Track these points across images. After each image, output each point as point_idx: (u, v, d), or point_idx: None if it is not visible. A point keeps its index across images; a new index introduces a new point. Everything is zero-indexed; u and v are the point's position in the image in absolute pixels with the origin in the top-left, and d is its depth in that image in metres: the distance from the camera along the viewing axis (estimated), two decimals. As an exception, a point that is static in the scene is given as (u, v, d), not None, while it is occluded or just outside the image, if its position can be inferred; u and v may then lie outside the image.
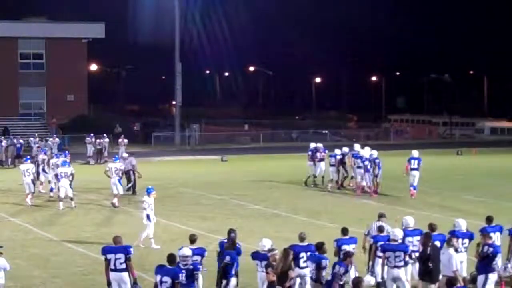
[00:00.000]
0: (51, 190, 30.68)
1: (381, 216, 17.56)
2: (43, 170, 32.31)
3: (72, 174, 28.74)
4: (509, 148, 56.93)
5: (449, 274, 15.13)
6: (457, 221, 17.16)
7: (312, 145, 34.95)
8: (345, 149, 33.90)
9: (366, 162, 31.60)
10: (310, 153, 34.46)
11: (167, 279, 13.80)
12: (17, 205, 29.46)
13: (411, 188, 31.25)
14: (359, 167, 32.10)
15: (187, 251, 14.54)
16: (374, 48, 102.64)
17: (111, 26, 67.76)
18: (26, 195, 29.69)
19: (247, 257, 19.49)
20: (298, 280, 15.54)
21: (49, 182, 31.42)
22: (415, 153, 31.89)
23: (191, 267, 14.32)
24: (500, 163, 46.09)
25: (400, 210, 27.08)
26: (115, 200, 28.74)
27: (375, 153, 32.11)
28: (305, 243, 15.62)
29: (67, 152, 34.94)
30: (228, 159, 47.58)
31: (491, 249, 15.22)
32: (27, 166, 30.24)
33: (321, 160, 34.17)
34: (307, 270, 15.39)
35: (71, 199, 28.47)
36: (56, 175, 29.41)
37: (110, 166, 29.32)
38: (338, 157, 33.39)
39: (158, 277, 13.96)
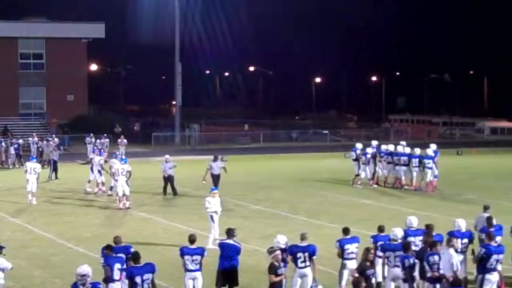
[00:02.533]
0: (111, 188, 30.60)
1: (486, 208, 18.23)
2: (99, 171, 32.07)
3: (128, 172, 28.60)
4: (509, 148, 56.92)
5: (449, 274, 15.13)
6: (457, 221, 17.15)
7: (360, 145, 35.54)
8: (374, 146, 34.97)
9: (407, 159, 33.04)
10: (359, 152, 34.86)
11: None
12: (17, 205, 29.47)
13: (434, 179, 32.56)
14: (397, 164, 33.26)
15: (85, 268, 12.46)
16: (374, 48, 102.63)
17: (111, 26, 67.79)
18: (27, 193, 29.66)
19: (247, 257, 19.50)
20: (299, 280, 15.53)
21: (102, 183, 31.77)
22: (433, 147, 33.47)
23: (89, 286, 12.30)
24: (500, 163, 46.08)
25: (400, 210, 27.10)
26: (127, 204, 28.28)
27: (417, 150, 33.41)
28: (304, 243, 15.60)
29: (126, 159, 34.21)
30: (228, 159, 47.57)
31: (483, 249, 15.20)
32: (34, 165, 30.23)
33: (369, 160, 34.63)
34: (308, 270, 15.38)
35: (126, 198, 28.31)
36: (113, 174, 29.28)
37: (117, 168, 28.86)
38: (368, 155, 34.08)
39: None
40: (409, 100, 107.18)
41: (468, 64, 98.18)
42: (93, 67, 78.85)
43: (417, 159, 32.97)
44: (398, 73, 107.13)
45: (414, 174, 33.06)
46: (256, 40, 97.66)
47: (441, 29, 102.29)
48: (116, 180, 28.71)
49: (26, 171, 29.93)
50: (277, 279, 14.40)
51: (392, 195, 31.87)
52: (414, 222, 17.16)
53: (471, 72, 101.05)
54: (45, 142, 45.86)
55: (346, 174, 39.29)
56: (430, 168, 32.58)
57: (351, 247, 15.98)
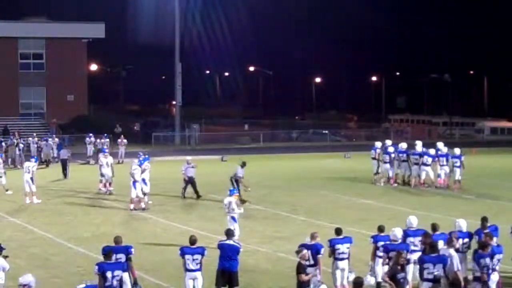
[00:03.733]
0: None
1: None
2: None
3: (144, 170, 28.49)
4: (509, 148, 56.89)
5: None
6: (458, 221, 17.17)
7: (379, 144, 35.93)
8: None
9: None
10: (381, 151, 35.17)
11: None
12: (17, 205, 29.47)
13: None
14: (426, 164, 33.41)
15: (28, 278, 12.40)
16: (374, 48, 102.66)
17: (111, 26, 67.76)
18: (25, 193, 29.68)
19: (247, 257, 19.51)
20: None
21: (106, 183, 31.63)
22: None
23: None
24: (500, 163, 46.07)
25: (400, 210, 27.10)
26: (143, 204, 27.93)
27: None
28: (312, 242, 15.81)
29: (142, 153, 33.06)
30: (228, 159, 47.54)
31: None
32: (29, 164, 30.39)
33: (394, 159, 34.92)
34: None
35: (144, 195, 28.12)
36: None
37: (138, 167, 28.26)
38: (392, 155, 34.38)
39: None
40: (409, 100, 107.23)
41: (468, 64, 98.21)
42: (93, 67, 78.83)
43: (444, 158, 33.45)
44: (398, 73, 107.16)
45: (443, 172, 33.46)
46: (256, 40, 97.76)
47: (441, 29, 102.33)
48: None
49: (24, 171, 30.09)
50: (307, 278, 14.52)
51: (392, 195, 31.86)
52: (414, 222, 17.19)
53: (471, 72, 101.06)
54: (44, 142, 45.91)
55: (346, 174, 39.37)
56: (459, 167, 33.08)
57: (342, 247, 16.09)
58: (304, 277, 14.48)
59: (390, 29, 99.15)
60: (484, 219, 17.59)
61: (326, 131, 67.29)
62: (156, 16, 72.80)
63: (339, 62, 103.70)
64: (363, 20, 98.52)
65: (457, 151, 33.57)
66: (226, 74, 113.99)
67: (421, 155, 33.68)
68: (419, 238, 16.44)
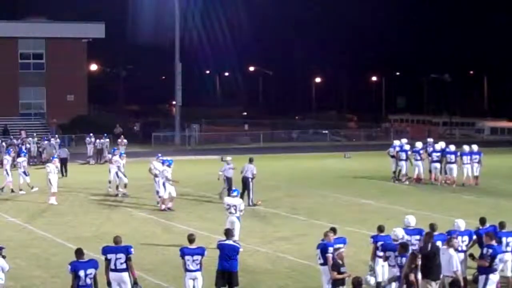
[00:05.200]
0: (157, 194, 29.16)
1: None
2: (116, 173, 31.68)
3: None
4: (509, 148, 56.90)
5: (449, 274, 15.14)
6: (456, 221, 17.24)
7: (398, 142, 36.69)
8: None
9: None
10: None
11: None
12: (17, 205, 29.47)
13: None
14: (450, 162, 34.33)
15: None
16: (374, 48, 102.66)
17: (111, 26, 67.75)
18: (18, 186, 30.47)
19: (247, 257, 19.51)
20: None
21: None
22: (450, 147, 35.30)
23: None
24: (500, 163, 46.05)
25: (400, 210, 27.09)
26: (170, 204, 27.80)
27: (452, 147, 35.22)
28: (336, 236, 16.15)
29: (161, 156, 31.63)
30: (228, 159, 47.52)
31: (490, 250, 15.21)
32: (21, 159, 31.79)
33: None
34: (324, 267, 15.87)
35: (170, 199, 27.86)
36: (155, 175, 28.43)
37: (167, 168, 27.93)
38: (422, 151, 35.35)
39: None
40: (409, 100, 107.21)
41: (468, 64, 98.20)
42: (93, 67, 78.83)
43: (468, 157, 34.51)
44: (398, 73, 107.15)
45: (465, 170, 34.42)
46: (256, 40, 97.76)
47: (441, 29, 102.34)
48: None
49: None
50: (340, 276, 14.54)
51: (392, 195, 31.86)
52: (412, 221, 17.23)
53: (471, 72, 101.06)
54: (46, 142, 45.90)
55: (346, 174, 39.38)
56: (478, 162, 34.63)
57: (335, 246, 16.09)
58: (336, 275, 14.50)
59: (390, 29, 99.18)
60: (482, 219, 17.60)
61: (326, 131, 67.27)
62: (156, 16, 72.80)
63: (339, 62, 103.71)
64: (363, 20, 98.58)
65: (475, 147, 35.17)
66: (226, 74, 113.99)
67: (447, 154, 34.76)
68: (416, 237, 16.48)
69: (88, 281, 14.13)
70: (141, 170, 33.31)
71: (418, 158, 35.20)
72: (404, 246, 15.18)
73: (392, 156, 35.89)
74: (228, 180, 30.24)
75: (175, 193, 28.06)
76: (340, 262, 14.67)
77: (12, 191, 32.02)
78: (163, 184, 27.72)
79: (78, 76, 65.37)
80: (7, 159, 33.33)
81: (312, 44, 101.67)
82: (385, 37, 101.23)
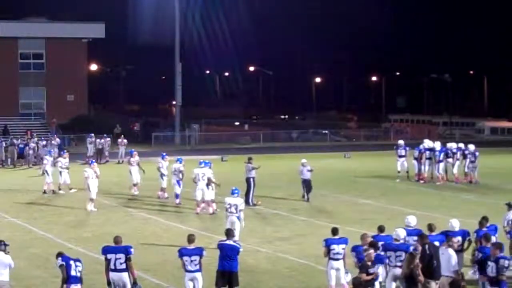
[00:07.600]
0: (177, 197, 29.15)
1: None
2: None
3: (181, 171, 28.59)
4: (509, 148, 56.87)
5: (449, 274, 15.14)
6: (451, 221, 17.29)
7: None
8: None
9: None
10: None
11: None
12: (17, 205, 29.47)
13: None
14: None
15: None
16: (374, 48, 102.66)
17: (111, 26, 67.74)
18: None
19: (247, 257, 19.51)
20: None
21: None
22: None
23: None
24: (500, 163, 46.05)
25: (400, 210, 27.09)
26: (210, 209, 27.19)
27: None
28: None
29: (181, 159, 30.83)
30: (228, 159, 47.55)
31: (480, 254, 15.19)
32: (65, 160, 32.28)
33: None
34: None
35: (208, 203, 27.39)
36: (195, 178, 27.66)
37: (197, 172, 27.36)
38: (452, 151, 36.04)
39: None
40: (409, 100, 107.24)
41: (468, 64, 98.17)
42: (93, 67, 78.79)
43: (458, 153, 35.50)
44: (398, 73, 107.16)
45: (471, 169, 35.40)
46: (256, 40, 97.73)
47: (441, 29, 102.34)
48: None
49: None
50: (368, 277, 14.49)
51: (392, 195, 31.86)
52: (412, 221, 17.23)
53: (471, 72, 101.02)
54: (47, 142, 45.87)
55: (346, 174, 39.37)
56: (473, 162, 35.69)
57: (337, 248, 16.15)
58: (365, 277, 14.46)
59: (390, 29, 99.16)
60: (483, 219, 17.59)
61: (326, 131, 67.25)
62: (156, 16, 72.80)
63: (339, 62, 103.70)
64: (363, 20, 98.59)
65: (471, 147, 36.11)
66: (226, 74, 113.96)
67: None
68: (415, 238, 16.47)
69: (78, 274, 14.78)
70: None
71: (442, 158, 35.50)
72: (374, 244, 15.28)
73: (415, 159, 35.89)
74: (306, 182, 30.22)
75: (211, 196, 27.17)
76: (369, 263, 14.65)
77: (53, 192, 31.85)
78: (204, 186, 26.88)
79: (78, 76, 65.35)
80: (47, 159, 32.98)
81: (312, 44, 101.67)
82: (385, 37, 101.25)
